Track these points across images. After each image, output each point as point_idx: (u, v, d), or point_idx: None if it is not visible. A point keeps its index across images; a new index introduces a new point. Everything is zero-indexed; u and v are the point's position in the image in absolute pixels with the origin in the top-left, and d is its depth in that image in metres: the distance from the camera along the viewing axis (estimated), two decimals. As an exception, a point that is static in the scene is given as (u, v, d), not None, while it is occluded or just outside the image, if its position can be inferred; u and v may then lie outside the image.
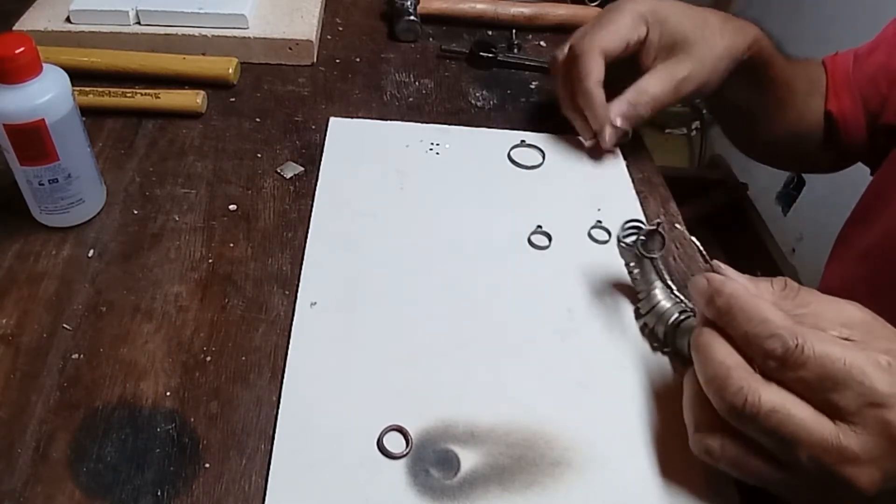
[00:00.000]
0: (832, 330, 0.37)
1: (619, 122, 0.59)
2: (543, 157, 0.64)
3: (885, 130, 0.66)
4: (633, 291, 0.51)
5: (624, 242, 0.49)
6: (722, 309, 0.38)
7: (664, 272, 0.48)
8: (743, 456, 0.37)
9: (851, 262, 0.64)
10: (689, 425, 0.40)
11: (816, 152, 0.72)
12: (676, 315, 0.47)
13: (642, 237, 0.48)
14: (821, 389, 0.34)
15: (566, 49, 0.62)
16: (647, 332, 0.50)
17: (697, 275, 0.41)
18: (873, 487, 0.34)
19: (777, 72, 0.65)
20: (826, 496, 0.36)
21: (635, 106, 0.59)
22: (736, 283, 0.39)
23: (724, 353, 0.37)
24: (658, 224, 0.47)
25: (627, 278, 0.50)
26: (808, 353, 0.34)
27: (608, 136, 0.60)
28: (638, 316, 0.50)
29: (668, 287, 0.48)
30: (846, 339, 0.36)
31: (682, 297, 0.48)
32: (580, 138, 0.64)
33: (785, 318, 0.36)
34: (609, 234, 0.57)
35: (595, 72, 0.59)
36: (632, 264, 0.49)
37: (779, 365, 0.35)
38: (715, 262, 0.42)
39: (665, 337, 0.48)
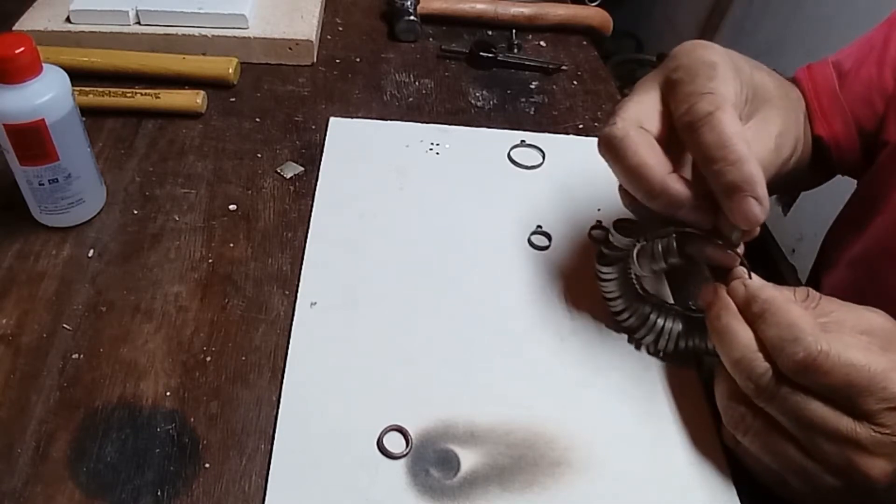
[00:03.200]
0: (853, 337, 0.38)
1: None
2: (543, 157, 0.64)
3: (885, 145, 0.61)
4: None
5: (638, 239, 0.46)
6: (757, 314, 0.39)
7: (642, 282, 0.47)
8: (771, 431, 0.38)
9: (841, 267, 0.63)
10: (721, 397, 0.41)
11: (805, 176, 0.66)
12: (680, 326, 0.47)
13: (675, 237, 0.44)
14: (846, 396, 0.36)
15: (623, 117, 0.42)
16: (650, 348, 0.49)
17: (736, 281, 0.42)
18: (885, 479, 0.36)
19: None
20: (846, 496, 0.37)
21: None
22: (772, 289, 0.40)
23: (746, 338, 0.39)
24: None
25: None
26: (834, 360, 0.35)
27: (758, 208, 0.39)
28: (635, 340, 0.49)
29: (645, 295, 0.47)
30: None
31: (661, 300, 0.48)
32: (717, 244, 0.43)
33: (812, 324, 0.37)
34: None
35: (742, 132, 0.39)
36: (616, 269, 0.47)
37: (801, 369, 0.36)
38: (738, 268, 0.42)
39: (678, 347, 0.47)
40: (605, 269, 0.48)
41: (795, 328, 0.36)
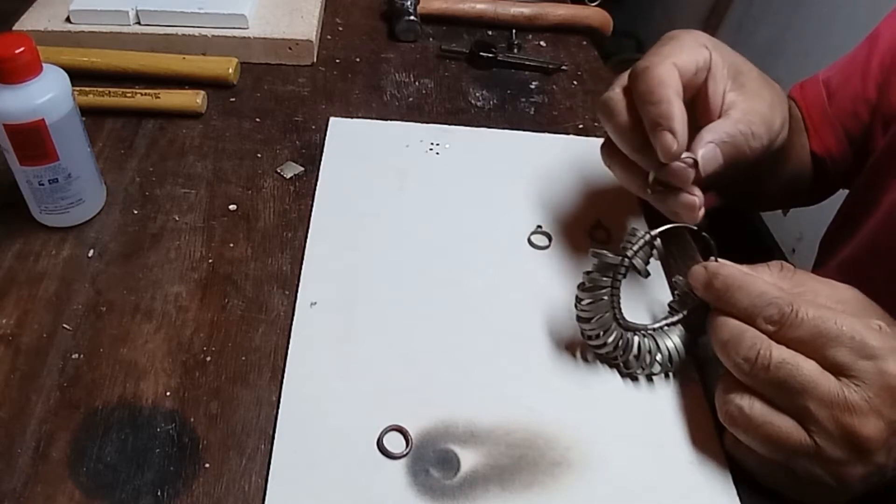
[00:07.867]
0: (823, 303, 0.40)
1: (704, 156, 0.45)
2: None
3: (873, 152, 0.63)
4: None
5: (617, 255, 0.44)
6: (721, 289, 0.41)
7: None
8: (768, 413, 0.38)
9: (834, 270, 0.64)
10: (718, 396, 0.42)
11: (806, 190, 0.70)
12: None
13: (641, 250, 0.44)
14: (817, 346, 0.37)
15: (620, 84, 0.48)
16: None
17: (696, 266, 0.44)
18: (880, 437, 0.36)
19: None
20: (846, 476, 0.38)
21: (735, 136, 0.46)
22: (731, 266, 0.42)
23: (735, 322, 0.41)
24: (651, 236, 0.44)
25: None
26: (802, 316, 0.38)
27: (670, 139, 0.43)
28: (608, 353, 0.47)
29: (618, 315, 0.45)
30: None
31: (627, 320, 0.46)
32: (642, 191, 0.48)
33: (779, 290, 0.40)
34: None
35: (672, 80, 0.44)
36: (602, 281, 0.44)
37: (777, 329, 0.38)
38: (712, 258, 0.45)
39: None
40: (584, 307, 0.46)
41: (766, 295, 0.39)
